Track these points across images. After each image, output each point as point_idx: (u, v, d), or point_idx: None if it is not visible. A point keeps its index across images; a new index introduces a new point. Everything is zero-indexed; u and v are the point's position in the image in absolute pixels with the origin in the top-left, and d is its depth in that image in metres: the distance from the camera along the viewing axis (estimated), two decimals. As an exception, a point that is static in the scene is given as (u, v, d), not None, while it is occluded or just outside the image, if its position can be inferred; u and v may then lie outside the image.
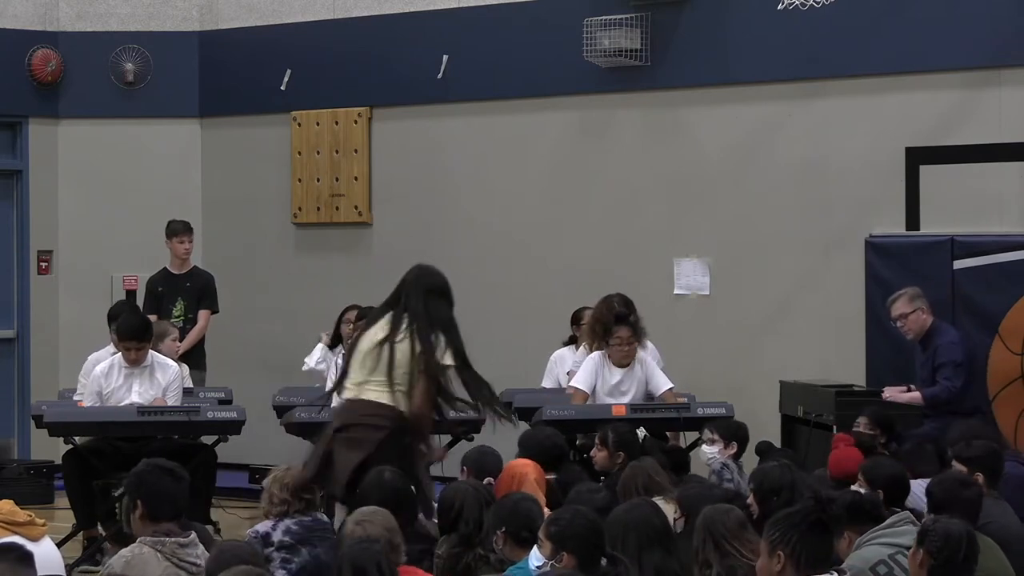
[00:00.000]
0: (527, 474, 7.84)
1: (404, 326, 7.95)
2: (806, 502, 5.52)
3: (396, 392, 7.86)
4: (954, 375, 10.26)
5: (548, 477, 8.40)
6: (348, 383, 7.99)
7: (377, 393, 7.86)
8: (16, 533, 6.36)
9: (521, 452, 8.70)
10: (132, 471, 6.41)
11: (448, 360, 7.97)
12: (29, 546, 6.22)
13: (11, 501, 6.61)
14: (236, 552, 5.81)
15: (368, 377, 7.92)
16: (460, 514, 6.93)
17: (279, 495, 7.32)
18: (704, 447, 9.48)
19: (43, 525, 6.57)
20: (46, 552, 6.47)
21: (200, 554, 6.11)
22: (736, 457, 9.29)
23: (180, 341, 11.56)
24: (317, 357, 11.79)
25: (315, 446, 8.03)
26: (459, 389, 8.06)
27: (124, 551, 6.14)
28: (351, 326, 11.70)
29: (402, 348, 7.89)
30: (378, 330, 8.01)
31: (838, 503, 6.53)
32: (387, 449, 7.71)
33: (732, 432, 9.39)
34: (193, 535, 6.17)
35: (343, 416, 7.96)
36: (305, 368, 11.86)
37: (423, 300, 8.06)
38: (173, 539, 6.06)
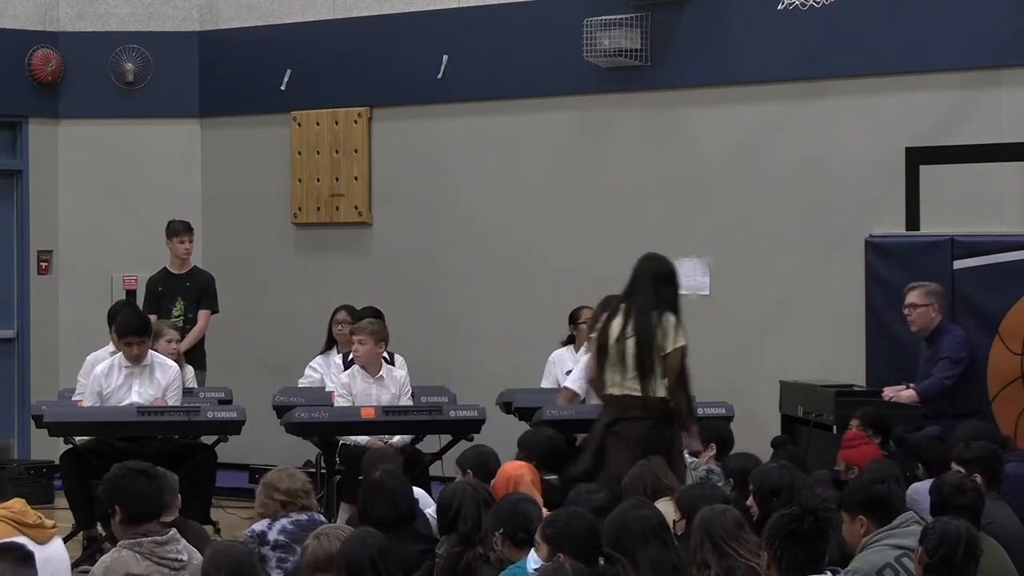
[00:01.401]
0: (523, 476, 7.85)
1: (633, 318, 8.61)
2: (792, 509, 5.56)
3: (646, 383, 8.54)
4: (948, 369, 10.19)
5: (550, 478, 8.38)
6: (606, 378, 8.65)
7: (623, 386, 8.57)
8: (24, 534, 6.35)
9: (521, 453, 8.69)
10: (105, 477, 6.35)
11: (682, 340, 8.65)
12: (36, 549, 6.24)
13: (23, 500, 6.59)
14: (231, 552, 5.79)
15: (618, 373, 8.58)
16: (459, 513, 6.94)
17: (277, 498, 7.28)
18: (687, 451, 9.45)
19: (52, 527, 6.56)
20: (55, 554, 6.47)
21: (181, 550, 6.10)
22: (721, 457, 9.17)
23: (181, 341, 11.54)
24: (312, 378, 11.74)
25: (589, 441, 8.74)
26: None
27: (104, 557, 6.14)
28: (340, 326, 11.71)
29: (635, 342, 8.57)
30: (616, 325, 8.67)
31: (857, 492, 6.55)
32: (654, 440, 8.42)
33: (711, 435, 9.30)
34: (172, 531, 6.15)
35: (610, 412, 8.63)
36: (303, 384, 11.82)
37: (652, 287, 8.67)
38: (150, 538, 6.04)
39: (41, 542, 6.40)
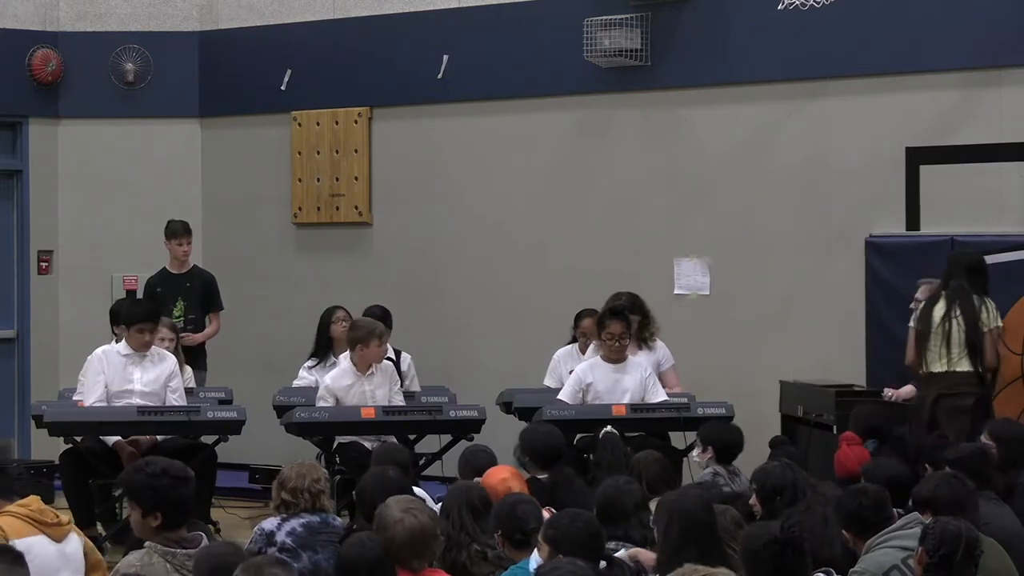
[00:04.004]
0: (506, 479, 7.74)
1: (955, 302, 9.62)
2: (768, 538, 5.56)
3: (974, 359, 9.56)
4: None
5: (541, 476, 8.33)
6: (928, 358, 9.67)
7: (950, 364, 9.56)
8: (43, 532, 6.34)
9: (521, 446, 8.64)
10: (141, 482, 6.01)
11: (998, 321, 9.62)
12: (55, 546, 6.23)
13: (38, 498, 6.55)
14: (218, 552, 5.64)
15: (943, 352, 9.58)
16: (442, 512, 6.89)
17: (283, 496, 7.19)
18: (693, 453, 9.43)
19: (68, 523, 6.52)
20: (73, 551, 6.45)
21: None
22: (723, 459, 8.95)
23: (176, 340, 11.49)
24: (306, 380, 11.68)
25: (916, 415, 9.73)
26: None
27: (133, 558, 5.90)
28: (340, 324, 11.67)
29: (959, 322, 9.58)
30: (940, 308, 9.70)
31: (839, 506, 6.57)
32: (981, 410, 9.49)
33: (710, 437, 9.20)
34: (204, 543, 6.05)
35: (935, 388, 9.62)
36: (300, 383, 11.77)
37: (966, 275, 9.68)
38: (184, 551, 5.89)
39: (59, 539, 6.39)
